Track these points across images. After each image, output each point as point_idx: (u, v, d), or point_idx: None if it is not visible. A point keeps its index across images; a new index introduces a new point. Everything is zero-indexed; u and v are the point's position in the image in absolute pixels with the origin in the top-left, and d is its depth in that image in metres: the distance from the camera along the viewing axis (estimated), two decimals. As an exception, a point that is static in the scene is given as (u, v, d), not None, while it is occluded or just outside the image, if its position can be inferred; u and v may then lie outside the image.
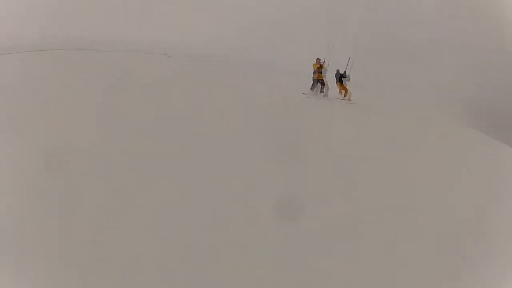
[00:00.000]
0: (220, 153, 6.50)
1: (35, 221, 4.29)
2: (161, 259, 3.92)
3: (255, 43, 14.57)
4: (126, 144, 6.46)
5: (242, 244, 4.28)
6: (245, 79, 12.79)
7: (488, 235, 5.17)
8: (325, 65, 11.90)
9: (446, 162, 7.70)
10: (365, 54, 13.66)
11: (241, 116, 8.73)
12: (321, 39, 11.99)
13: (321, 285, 3.89)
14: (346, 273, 4.10)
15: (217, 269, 3.90)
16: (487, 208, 6.02)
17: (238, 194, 5.25)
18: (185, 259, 3.97)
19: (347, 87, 12.09)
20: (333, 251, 4.38)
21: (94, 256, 3.87)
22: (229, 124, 8.06)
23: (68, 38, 13.24)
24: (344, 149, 7.54)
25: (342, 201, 5.49)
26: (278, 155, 6.52)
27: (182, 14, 15.14)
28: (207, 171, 5.78)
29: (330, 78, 12.14)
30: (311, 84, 12.00)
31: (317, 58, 11.86)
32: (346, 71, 11.95)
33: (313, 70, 11.95)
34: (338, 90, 12.18)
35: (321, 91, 11.96)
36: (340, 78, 12.04)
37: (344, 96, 12.09)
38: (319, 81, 11.93)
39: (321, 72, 11.91)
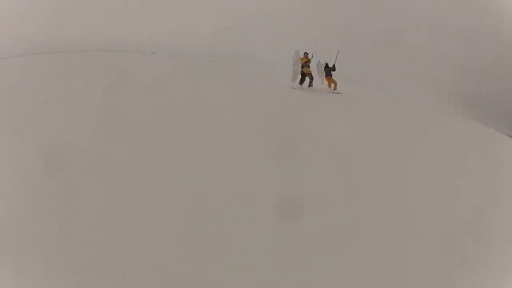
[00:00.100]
0: (220, 153, 6.50)
1: (35, 221, 4.29)
2: (161, 259, 3.93)
3: (255, 43, 14.59)
4: (126, 144, 6.46)
5: (242, 244, 4.28)
6: (245, 78, 12.78)
7: (488, 235, 5.17)
8: (310, 58, 11.88)
9: (446, 159, 7.69)
10: (355, 47, 13.78)
11: (241, 115, 8.72)
12: (312, 35, 11.90)
13: (321, 285, 3.89)
14: (346, 273, 4.10)
15: (217, 269, 3.90)
16: (487, 208, 6.02)
17: (238, 194, 5.26)
18: (185, 259, 3.97)
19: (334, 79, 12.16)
20: (333, 251, 4.39)
21: (94, 256, 3.87)
22: (229, 124, 8.06)
23: (68, 38, 13.24)
24: (344, 148, 7.53)
25: (342, 201, 5.49)
26: (278, 154, 6.52)
27: (182, 14, 15.15)
28: (207, 171, 5.78)
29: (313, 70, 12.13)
30: (299, 79, 11.98)
31: (305, 52, 11.84)
32: (335, 64, 11.95)
33: (300, 64, 11.90)
34: (327, 83, 12.16)
35: (310, 85, 11.93)
36: (329, 71, 12.05)
37: (334, 89, 12.09)
38: (307, 74, 11.92)
39: (309, 66, 11.91)
